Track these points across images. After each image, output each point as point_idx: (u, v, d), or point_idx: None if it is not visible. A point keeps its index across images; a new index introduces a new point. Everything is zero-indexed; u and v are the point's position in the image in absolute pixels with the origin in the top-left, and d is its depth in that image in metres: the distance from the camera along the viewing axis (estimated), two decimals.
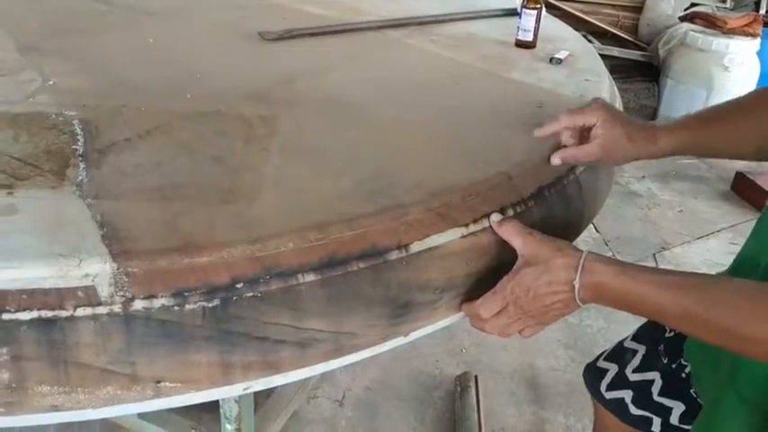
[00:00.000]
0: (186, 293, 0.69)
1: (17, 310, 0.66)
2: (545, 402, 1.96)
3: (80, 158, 0.87)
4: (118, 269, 0.68)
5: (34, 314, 0.66)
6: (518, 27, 1.49)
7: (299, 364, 0.76)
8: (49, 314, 0.66)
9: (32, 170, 0.84)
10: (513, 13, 1.76)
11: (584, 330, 2.28)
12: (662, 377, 1.09)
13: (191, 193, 0.81)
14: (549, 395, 1.99)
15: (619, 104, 1.35)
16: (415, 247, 0.80)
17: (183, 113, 1.02)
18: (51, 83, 1.10)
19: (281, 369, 0.75)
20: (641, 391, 1.11)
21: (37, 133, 0.93)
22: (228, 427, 1.50)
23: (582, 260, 0.78)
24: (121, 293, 0.68)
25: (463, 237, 0.84)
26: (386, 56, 1.39)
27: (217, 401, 1.53)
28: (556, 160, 0.97)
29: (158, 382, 0.70)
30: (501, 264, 0.86)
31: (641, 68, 4.15)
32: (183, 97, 1.09)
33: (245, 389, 0.75)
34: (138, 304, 0.68)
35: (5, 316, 0.66)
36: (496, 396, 1.98)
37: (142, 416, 1.65)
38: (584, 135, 0.96)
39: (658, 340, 1.11)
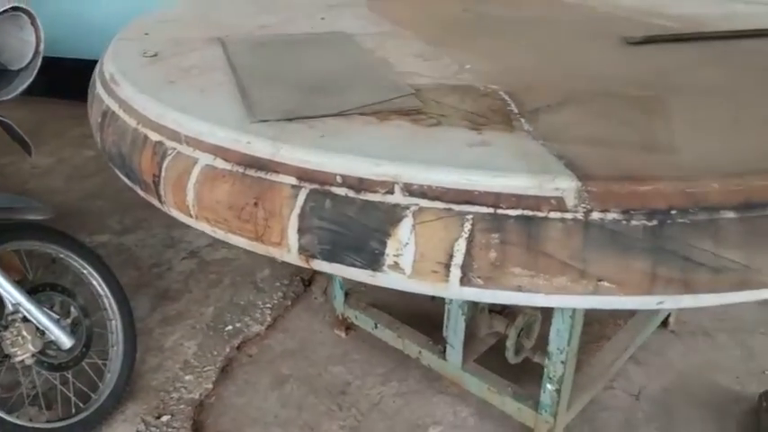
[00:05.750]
0: (632, 212, 0.88)
1: (507, 208, 0.89)
2: None
3: (518, 116, 1.11)
4: (582, 187, 0.88)
5: (519, 212, 0.89)
6: None
7: (710, 290, 0.90)
8: (530, 213, 0.89)
9: (486, 120, 1.09)
10: None
11: None
12: None
13: (618, 144, 1.00)
14: None
15: None
16: None
17: (582, 92, 1.23)
18: (467, 67, 1.38)
19: (694, 290, 0.90)
20: None
21: (476, 99, 1.19)
22: (549, 386, 1.67)
23: None
24: (583, 205, 0.88)
25: None
26: (747, 60, 1.48)
27: (528, 372, 1.72)
28: None
29: (600, 280, 0.89)
30: None
31: None
32: (576, 81, 1.29)
33: (659, 302, 0.92)
34: (595, 215, 0.88)
35: (499, 211, 0.89)
36: None
37: (465, 369, 1.88)
38: None
39: None
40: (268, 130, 1.05)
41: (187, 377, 2.09)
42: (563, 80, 1.30)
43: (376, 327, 2.12)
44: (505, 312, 1.93)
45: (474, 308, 1.87)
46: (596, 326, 2.17)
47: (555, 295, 0.91)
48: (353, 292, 2.22)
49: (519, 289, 0.91)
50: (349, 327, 2.27)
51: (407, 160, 0.95)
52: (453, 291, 0.94)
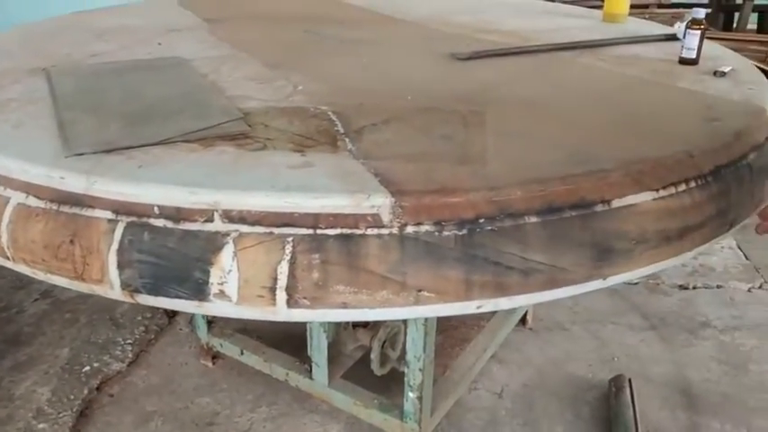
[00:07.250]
0: (443, 223, 0.92)
1: (326, 228, 0.91)
2: (699, 409, 2.03)
3: (344, 135, 1.14)
4: (395, 203, 0.92)
5: (338, 231, 0.91)
6: (682, 46, 1.65)
7: (522, 290, 0.96)
8: (348, 231, 0.91)
9: (312, 142, 1.11)
10: (672, 37, 1.92)
11: (737, 348, 2.32)
12: None
13: (434, 158, 1.05)
14: (703, 403, 2.05)
15: None
16: (616, 203, 0.99)
17: (409, 109, 1.27)
18: (300, 88, 1.39)
19: (508, 292, 0.96)
20: None
21: (305, 120, 1.21)
22: (411, 394, 1.71)
23: None
24: (398, 220, 0.91)
25: (654, 199, 1.02)
26: (563, 70, 1.60)
27: (397, 382, 1.75)
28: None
29: (420, 290, 0.92)
30: (686, 225, 1.03)
31: None
32: (404, 99, 1.34)
33: (478, 306, 0.96)
34: (410, 229, 0.91)
35: (318, 231, 0.91)
36: (649, 400, 2.06)
37: (332, 386, 1.89)
38: None
39: None
40: (83, 164, 1.01)
41: (41, 426, 1.96)
42: (391, 98, 1.35)
43: (242, 353, 2.08)
44: (370, 325, 1.95)
45: (336, 324, 1.88)
46: (462, 329, 2.23)
47: (380, 309, 0.93)
48: (218, 319, 2.17)
49: (345, 306, 0.93)
50: (216, 356, 2.22)
51: (225, 186, 0.94)
52: (282, 314, 0.94)
